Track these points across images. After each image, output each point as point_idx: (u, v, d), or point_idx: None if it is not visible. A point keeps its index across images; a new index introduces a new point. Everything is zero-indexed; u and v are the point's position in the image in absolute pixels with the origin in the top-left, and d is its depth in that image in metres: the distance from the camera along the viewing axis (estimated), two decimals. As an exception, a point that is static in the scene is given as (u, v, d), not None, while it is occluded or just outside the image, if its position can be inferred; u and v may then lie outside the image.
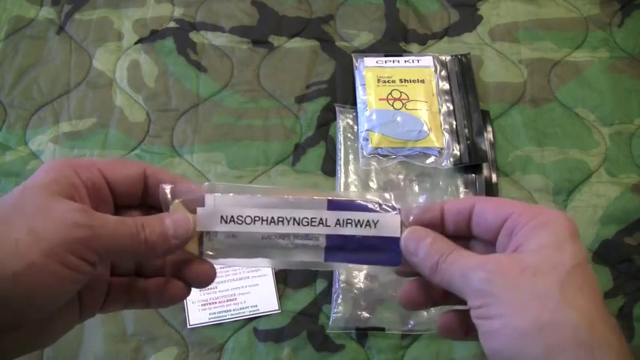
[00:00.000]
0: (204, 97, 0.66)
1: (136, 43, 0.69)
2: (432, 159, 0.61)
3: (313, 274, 0.57)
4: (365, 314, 0.54)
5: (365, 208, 0.33)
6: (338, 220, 0.33)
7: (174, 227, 0.31)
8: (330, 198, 0.33)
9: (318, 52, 0.69)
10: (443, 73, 0.66)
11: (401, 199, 0.33)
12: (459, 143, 0.62)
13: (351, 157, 0.62)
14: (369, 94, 0.64)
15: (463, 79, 0.66)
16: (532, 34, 0.70)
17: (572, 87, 0.67)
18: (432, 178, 0.61)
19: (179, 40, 0.69)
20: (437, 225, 0.33)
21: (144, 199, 0.34)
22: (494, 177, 0.61)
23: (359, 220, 0.33)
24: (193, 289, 0.55)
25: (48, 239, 0.26)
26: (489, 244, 0.32)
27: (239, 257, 0.33)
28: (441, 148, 0.61)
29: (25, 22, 0.71)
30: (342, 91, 0.66)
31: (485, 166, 0.61)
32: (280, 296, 0.55)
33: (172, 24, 0.71)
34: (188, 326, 0.54)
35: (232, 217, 0.32)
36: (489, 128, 0.63)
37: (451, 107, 0.64)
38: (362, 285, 0.55)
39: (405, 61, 0.67)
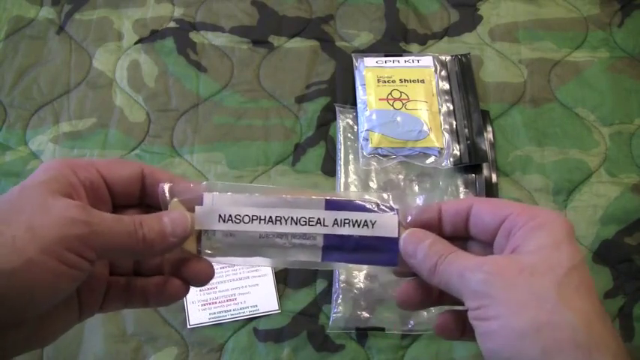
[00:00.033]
0: (204, 97, 0.66)
1: (136, 43, 0.69)
2: (432, 159, 0.61)
3: (313, 274, 0.57)
4: (365, 314, 0.54)
5: (363, 209, 0.33)
6: (335, 219, 0.33)
7: (173, 225, 0.31)
8: (327, 198, 0.33)
9: (318, 52, 0.69)
10: (443, 73, 0.66)
11: (399, 199, 0.34)
12: (459, 143, 0.62)
13: (351, 157, 0.62)
14: (369, 94, 0.64)
15: (463, 79, 0.66)
16: (532, 34, 0.70)
17: (572, 87, 0.67)
18: (432, 178, 0.61)
19: (179, 40, 0.69)
20: (434, 226, 0.33)
21: (142, 199, 0.34)
22: (494, 177, 0.61)
23: (356, 220, 0.33)
24: (193, 290, 0.55)
25: (45, 236, 0.26)
26: (487, 245, 0.32)
27: (237, 256, 0.33)
28: (441, 148, 0.61)
29: (25, 22, 0.71)
30: (342, 91, 0.66)
31: (485, 166, 0.61)
32: (280, 296, 0.55)
33: (172, 24, 0.71)
34: (188, 326, 0.54)
35: (230, 216, 0.32)
36: (489, 128, 0.63)
37: (451, 107, 0.64)
38: (362, 285, 0.55)
39: (405, 61, 0.67)
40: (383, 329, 0.54)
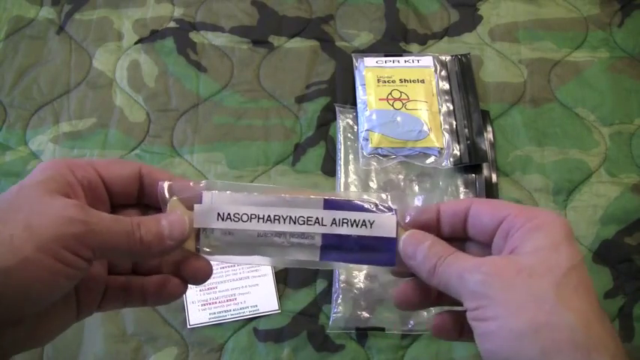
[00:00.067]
0: (204, 97, 0.66)
1: (136, 43, 0.69)
2: (432, 159, 0.61)
3: (313, 274, 0.57)
4: (365, 314, 0.54)
5: (361, 208, 0.33)
6: (334, 219, 0.33)
7: (170, 228, 0.31)
8: (326, 197, 0.33)
9: (318, 52, 0.69)
10: (443, 73, 0.66)
11: (398, 199, 0.34)
12: (459, 143, 0.62)
13: (351, 157, 0.62)
14: (369, 94, 0.64)
15: (463, 79, 0.66)
16: (532, 34, 0.70)
17: (572, 87, 0.67)
18: (432, 178, 0.61)
19: (179, 40, 0.69)
20: (433, 226, 0.33)
21: (140, 199, 0.34)
22: (494, 177, 0.61)
23: (355, 220, 0.33)
24: (193, 289, 0.55)
25: (42, 234, 0.26)
26: (485, 246, 0.32)
27: (235, 254, 0.34)
28: (441, 148, 0.61)
29: (25, 22, 0.71)
30: (342, 91, 0.66)
31: (485, 166, 0.61)
32: (280, 296, 0.55)
33: (172, 24, 0.71)
34: (188, 326, 0.54)
35: (229, 214, 0.32)
36: (489, 128, 0.63)
37: (451, 107, 0.64)
38: (362, 285, 0.55)
39: (405, 61, 0.67)
40: (383, 329, 0.54)
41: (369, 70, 0.66)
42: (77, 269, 0.28)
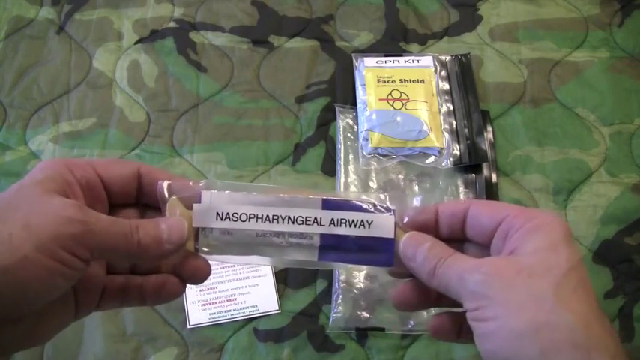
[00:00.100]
0: (204, 97, 0.66)
1: (136, 43, 0.69)
2: (432, 159, 0.61)
3: (313, 274, 0.57)
4: (365, 314, 0.54)
5: (359, 209, 0.33)
6: (332, 219, 0.33)
7: (169, 232, 0.31)
8: (324, 198, 0.33)
9: (318, 52, 0.69)
10: (443, 73, 0.66)
11: (396, 200, 0.34)
12: (459, 143, 0.62)
13: (351, 157, 0.62)
14: (369, 94, 0.64)
15: (463, 79, 0.66)
16: (532, 34, 0.70)
17: (572, 87, 0.67)
18: (432, 178, 0.61)
19: (179, 40, 0.69)
20: (431, 227, 0.33)
21: (139, 199, 0.34)
22: (494, 177, 0.61)
23: (353, 220, 0.33)
24: (193, 290, 0.55)
25: (41, 234, 0.27)
26: (483, 247, 0.33)
27: (234, 254, 0.34)
28: (441, 148, 0.61)
29: (25, 22, 0.71)
30: (342, 91, 0.66)
31: (485, 166, 0.61)
32: (280, 296, 0.55)
33: (172, 24, 0.71)
34: (188, 326, 0.54)
35: (228, 214, 0.33)
36: (489, 128, 0.63)
37: (451, 107, 0.64)
38: (362, 285, 0.55)
39: (405, 61, 0.67)
40: (383, 329, 0.54)
41: (369, 70, 0.66)
42: (75, 269, 0.28)
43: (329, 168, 0.62)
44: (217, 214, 0.33)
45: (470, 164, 0.60)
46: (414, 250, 0.32)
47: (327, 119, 0.65)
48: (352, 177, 0.61)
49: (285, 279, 0.56)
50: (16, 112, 0.65)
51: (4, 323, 0.28)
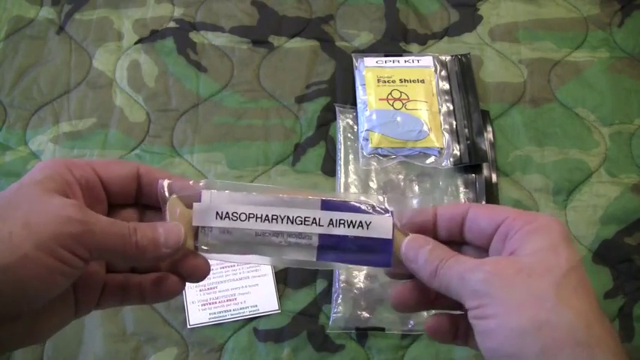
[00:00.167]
0: (204, 97, 0.66)
1: (136, 43, 0.69)
2: (432, 159, 0.61)
3: (313, 275, 0.57)
4: (365, 314, 0.54)
5: (358, 210, 0.34)
6: (331, 220, 0.33)
7: (166, 236, 0.31)
8: (323, 198, 0.33)
9: (318, 52, 0.69)
10: (443, 73, 0.66)
11: (394, 201, 0.34)
12: (459, 143, 0.62)
13: (351, 157, 0.62)
14: (369, 94, 0.64)
15: (463, 79, 0.66)
16: (532, 34, 0.70)
17: (572, 87, 0.67)
18: (432, 178, 0.61)
19: (179, 40, 0.69)
20: (429, 229, 0.34)
21: (138, 199, 0.34)
22: (494, 177, 0.61)
23: (352, 221, 0.33)
24: (193, 289, 0.55)
25: (41, 232, 0.27)
26: (482, 250, 0.33)
27: (233, 253, 0.34)
28: (441, 148, 0.61)
29: (25, 22, 0.71)
30: (342, 91, 0.66)
31: (485, 166, 0.61)
32: (280, 296, 0.55)
33: (172, 24, 0.71)
34: (188, 326, 0.54)
35: (227, 213, 0.33)
36: (489, 128, 0.63)
37: (451, 107, 0.64)
38: (362, 285, 0.55)
39: (405, 61, 0.67)
40: (383, 329, 0.54)
41: (369, 70, 0.66)
42: (74, 268, 0.28)
43: (329, 168, 0.62)
44: (217, 213, 0.33)
45: (470, 164, 0.60)
46: (415, 252, 0.32)
47: (327, 119, 0.65)
48: (352, 177, 0.61)
49: (285, 279, 0.56)
50: (16, 112, 0.65)
51: (3, 321, 0.28)
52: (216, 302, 0.55)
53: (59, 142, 0.63)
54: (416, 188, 0.60)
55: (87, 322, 0.54)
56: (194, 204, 0.33)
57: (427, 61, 0.67)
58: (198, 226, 0.33)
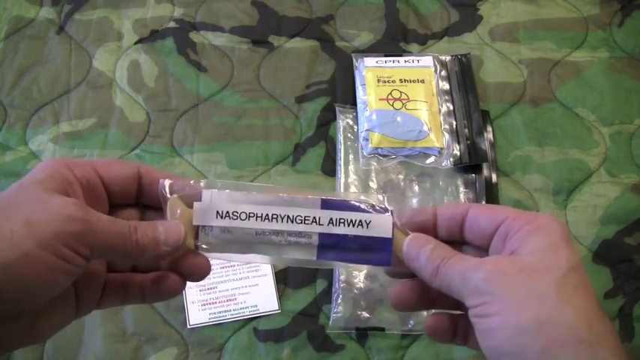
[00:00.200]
0: (204, 97, 0.66)
1: (136, 43, 0.69)
2: (432, 159, 0.61)
3: (313, 275, 0.57)
4: (365, 314, 0.54)
5: (358, 209, 0.34)
6: (331, 219, 0.33)
7: (166, 234, 0.31)
8: (323, 197, 0.34)
9: (318, 52, 0.69)
10: (443, 73, 0.66)
11: (394, 201, 0.34)
12: (459, 143, 0.62)
13: (351, 157, 0.62)
14: (369, 94, 0.64)
15: (463, 79, 0.66)
16: (532, 34, 0.70)
17: (572, 87, 0.67)
18: (432, 178, 0.61)
19: (179, 40, 0.69)
20: (429, 229, 0.34)
21: (138, 199, 0.34)
22: (494, 177, 0.61)
23: (351, 220, 0.33)
24: (193, 289, 0.55)
25: (43, 231, 0.27)
26: (482, 250, 0.33)
27: (233, 252, 0.34)
28: (441, 148, 0.61)
29: (25, 22, 0.71)
30: (342, 91, 0.66)
31: (485, 166, 0.61)
32: (280, 296, 0.55)
33: (172, 24, 0.71)
34: (188, 326, 0.54)
35: (228, 212, 0.33)
36: (489, 128, 0.63)
37: (451, 107, 0.64)
38: (362, 285, 0.55)
39: (405, 61, 0.67)
40: (383, 329, 0.54)
41: (369, 70, 0.66)
42: (75, 266, 0.28)
43: (329, 168, 0.62)
44: (217, 212, 0.33)
45: (470, 164, 0.60)
46: (417, 251, 0.32)
47: (327, 119, 0.65)
48: (352, 177, 0.61)
49: (285, 279, 0.56)
50: (16, 112, 0.65)
51: (4, 320, 0.28)
52: (216, 302, 0.55)
53: (59, 142, 0.63)
54: (416, 188, 0.60)
55: (87, 322, 0.54)
56: (194, 203, 0.33)
57: (427, 61, 0.67)
58: (198, 226, 0.33)
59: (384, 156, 0.61)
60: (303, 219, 0.33)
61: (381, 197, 0.34)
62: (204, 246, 0.33)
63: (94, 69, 0.68)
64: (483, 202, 0.59)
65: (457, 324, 0.34)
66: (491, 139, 0.63)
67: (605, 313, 0.29)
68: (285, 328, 0.54)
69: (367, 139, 0.61)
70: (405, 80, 0.65)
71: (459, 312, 0.34)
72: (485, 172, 0.61)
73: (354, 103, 0.65)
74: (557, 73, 0.68)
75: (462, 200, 0.60)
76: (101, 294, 0.33)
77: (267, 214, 0.33)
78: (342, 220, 0.33)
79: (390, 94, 0.64)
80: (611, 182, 0.61)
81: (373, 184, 0.60)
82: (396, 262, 0.33)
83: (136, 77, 0.67)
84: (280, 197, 0.33)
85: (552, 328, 0.27)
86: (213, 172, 0.61)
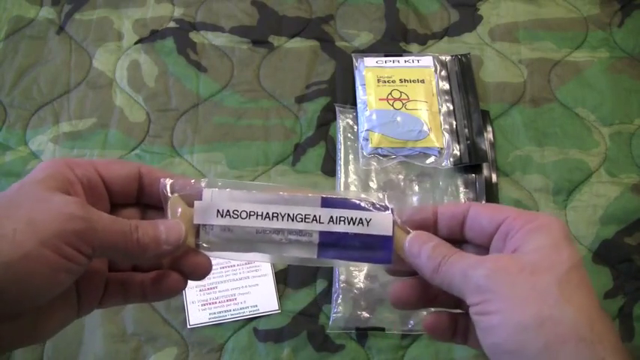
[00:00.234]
0: (204, 97, 0.66)
1: (136, 43, 0.69)
2: (432, 159, 0.61)
3: (313, 275, 0.57)
4: (365, 314, 0.54)
5: (358, 207, 0.34)
6: (331, 217, 0.33)
7: (167, 233, 0.31)
8: (324, 196, 0.34)
9: (318, 52, 0.69)
10: (443, 73, 0.66)
11: (394, 199, 0.34)
12: (459, 143, 0.62)
13: (351, 157, 0.62)
14: (369, 94, 0.64)
15: (463, 79, 0.66)
16: (532, 34, 0.70)
17: (572, 87, 0.67)
18: (432, 178, 0.61)
19: (179, 40, 0.69)
20: (429, 227, 0.34)
21: (139, 198, 0.34)
22: (494, 177, 0.61)
23: (352, 218, 0.33)
24: (193, 290, 0.55)
25: (45, 230, 0.27)
26: (482, 249, 0.33)
27: (234, 251, 0.34)
28: (441, 148, 0.61)
29: (25, 22, 0.71)
30: (342, 91, 0.66)
31: (485, 166, 0.61)
32: (280, 296, 0.55)
33: (172, 24, 0.71)
34: (188, 326, 0.54)
35: (228, 211, 0.33)
36: (489, 128, 0.63)
37: (451, 107, 0.64)
38: (362, 285, 0.55)
39: (405, 61, 0.67)
40: (383, 329, 0.54)
41: (369, 70, 0.66)
42: (77, 264, 0.28)
43: (329, 168, 0.62)
44: (218, 211, 0.33)
45: (470, 164, 0.60)
46: (419, 248, 0.32)
47: (327, 119, 0.65)
48: (352, 177, 0.61)
49: (285, 279, 0.56)
50: (16, 112, 0.65)
51: (5, 319, 0.28)
52: (216, 302, 0.55)
53: (59, 142, 0.63)
54: (416, 188, 0.60)
55: (87, 322, 0.54)
56: (195, 202, 0.33)
57: (427, 61, 0.67)
58: (199, 224, 0.33)
59: (384, 156, 0.61)
60: (303, 217, 0.33)
61: (381, 195, 0.34)
62: (205, 245, 0.33)
63: (94, 69, 0.68)
64: (483, 202, 0.59)
65: (457, 322, 0.34)
66: (491, 139, 0.63)
67: (606, 312, 0.29)
68: (285, 328, 0.54)
69: (367, 139, 0.61)
70: (405, 80, 0.65)
71: (458, 311, 0.35)
72: (485, 172, 0.61)
73: (354, 103, 0.65)
74: (557, 73, 0.68)
75: (462, 200, 0.60)
76: (102, 293, 0.33)
77: (267, 213, 0.33)
78: (342, 218, 0.33)
79: (390, 94, 0.64)
80: (611, 182, 0.61)
81: (373, 184, 0.60)
82: (397, 260, 0.33)
83: (136, 77, 0.67)
84: (281, 196, 0.33)
85: (554, 325, 0.27)
86: (213, 172, 0.61)
